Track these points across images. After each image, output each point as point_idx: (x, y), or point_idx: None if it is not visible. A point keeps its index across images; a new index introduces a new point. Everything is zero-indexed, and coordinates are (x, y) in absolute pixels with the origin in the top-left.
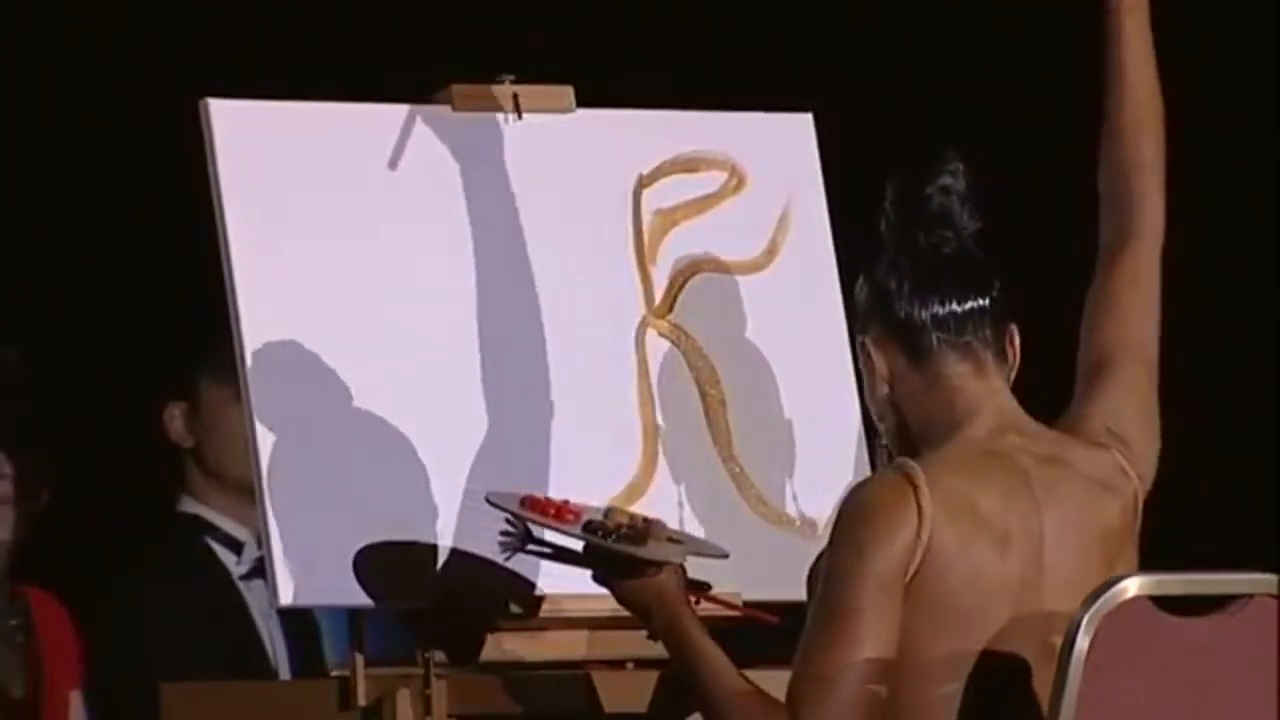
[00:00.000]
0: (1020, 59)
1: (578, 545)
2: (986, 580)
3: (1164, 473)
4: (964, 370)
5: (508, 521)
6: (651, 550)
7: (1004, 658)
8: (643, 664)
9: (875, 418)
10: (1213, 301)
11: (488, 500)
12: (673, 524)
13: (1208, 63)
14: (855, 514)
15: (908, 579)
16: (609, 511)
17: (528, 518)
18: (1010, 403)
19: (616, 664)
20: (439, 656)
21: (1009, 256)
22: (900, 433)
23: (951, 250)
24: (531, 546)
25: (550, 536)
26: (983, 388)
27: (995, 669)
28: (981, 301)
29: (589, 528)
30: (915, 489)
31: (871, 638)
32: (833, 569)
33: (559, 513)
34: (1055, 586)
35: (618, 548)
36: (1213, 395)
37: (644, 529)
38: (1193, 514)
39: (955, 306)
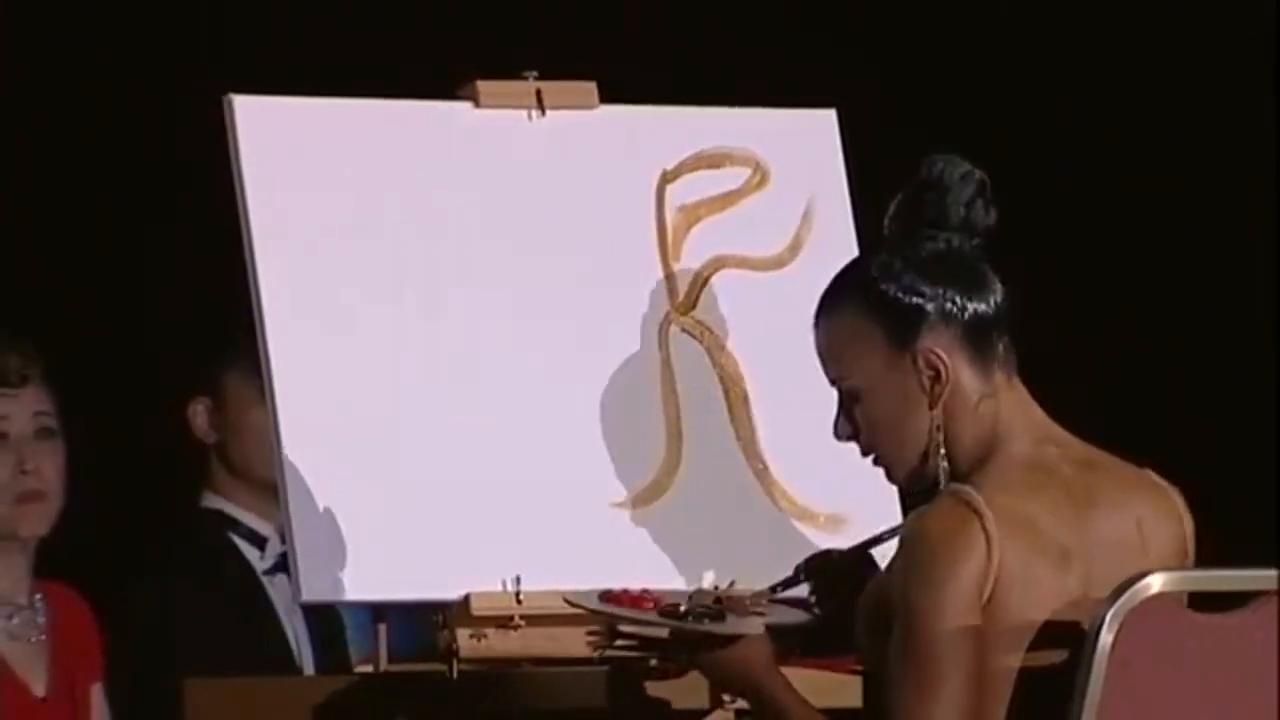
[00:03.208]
0: (1035, 57)
1: (660, 631)
2: (1047, 596)
3: (1184, 472)
4: (1001, 379)
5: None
6: (729, 625)
7: (1061, 662)
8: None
9: (917, 446)
10: (1212, 301)
11: (566, 600)
12: (696, 521)
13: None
14: (925, 550)
15: (983, 605)
16: (694, 594)
17: (608, 613)
18: (1040, 412)
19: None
20: (463, 652)
21: (1021, 250)
22: (948, 454)
23: (980, 248)
24: (620, 641)
25: (632, 627)
26: (1014, 397)
27: (1054, 674)
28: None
29: (665, 613)
30: (980, 515)
31: (958, 672)
32: (910, 608)
33: (635, 602)
34: (1102, 589)
35: (694, 627)
36: (1213, 395)
37: (722, 605)
38: (1211, 512)
39: (1001, 301)
